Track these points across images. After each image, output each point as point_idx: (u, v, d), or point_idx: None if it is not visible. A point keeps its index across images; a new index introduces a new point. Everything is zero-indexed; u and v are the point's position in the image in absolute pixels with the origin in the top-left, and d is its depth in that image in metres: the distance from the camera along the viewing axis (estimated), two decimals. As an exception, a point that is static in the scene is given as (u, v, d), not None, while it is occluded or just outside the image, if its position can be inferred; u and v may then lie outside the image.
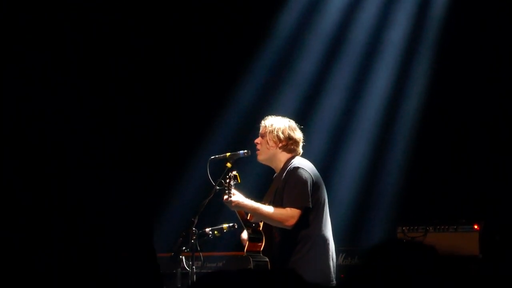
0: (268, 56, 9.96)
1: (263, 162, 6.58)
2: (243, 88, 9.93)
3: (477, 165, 9.27)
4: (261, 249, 6.29)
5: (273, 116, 6.60)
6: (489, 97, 9.25)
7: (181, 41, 9.88)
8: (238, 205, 6.28)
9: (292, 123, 6.53)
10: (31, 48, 9.10)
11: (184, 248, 6.61)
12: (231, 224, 6.64)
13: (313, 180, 6.30)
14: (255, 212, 6.29)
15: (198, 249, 6.58)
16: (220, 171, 6.48)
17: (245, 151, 6.62)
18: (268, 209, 6.24)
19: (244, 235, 6.46)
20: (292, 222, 6.17)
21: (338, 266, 6.72)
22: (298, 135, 6.50)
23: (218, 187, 6.44)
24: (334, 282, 6.26)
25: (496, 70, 9.25)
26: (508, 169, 9.07)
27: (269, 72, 9.98)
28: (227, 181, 6.32)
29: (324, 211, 6.33)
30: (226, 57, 9.80)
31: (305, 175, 6.27)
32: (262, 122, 6.58)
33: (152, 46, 9.80)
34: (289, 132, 6.46)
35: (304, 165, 6.35)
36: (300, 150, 6.50)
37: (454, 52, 9.38)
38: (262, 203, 6.35)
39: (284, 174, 6.32)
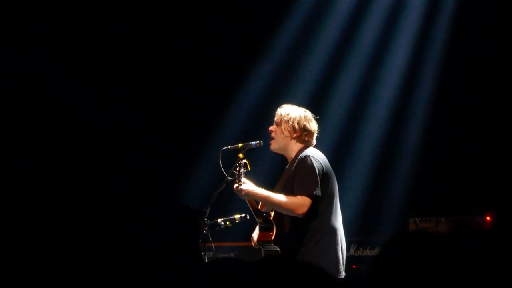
0: (280, 45, 9.94)
1: (276, 151, 6.57)
2: (255, 78, 9.92)
3: (491, 155, 9.24)
4: (272, 238, 6.29)
5: (289, 105, 6.55)
6: (504, 86, 9.22)
7: (193, 31, 9.88)
8: (249, 193, 6.27)
9: (308, 114, 6.48)
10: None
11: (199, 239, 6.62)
12: (243, 215, 6.64)
13: (323, 169, 6.28)
14: (266, 200, 6.27)
15: (210, 239, 6.59)
16: (232, 161, 6.48)
17: (257, 141, 6.60)
18: (279, 197, 6.23)
19: (255, 234, 6.46)
20: (303, 210, 6.15)
21: (350, 257, 6.73)
22: (313, 126, 6.45)
23: (230, 178, 6.44)
24: (343, 274, 6.24)
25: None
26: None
27: (281, 61, 9.97)
28: (237, 169, 6.31)
29: (335, 202, 6.31)
30: (238, 46, 9.79)
31: (315, 164, 6.25)
32: (278, 110, 6.52)
33: (164, 36, 9.81)
34: (305, 123, 6.41)
35: (315, 154, 6.33)
36: (314, 141, 6.47)
37: (470, 37, 9.34)
38: (273, 192, 6.34)
39: (296, 163, 6.31)
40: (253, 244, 6.47)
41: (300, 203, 6.17)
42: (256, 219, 6.41)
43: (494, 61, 9.27)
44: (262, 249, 6.32)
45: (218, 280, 2.58)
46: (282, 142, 6.45)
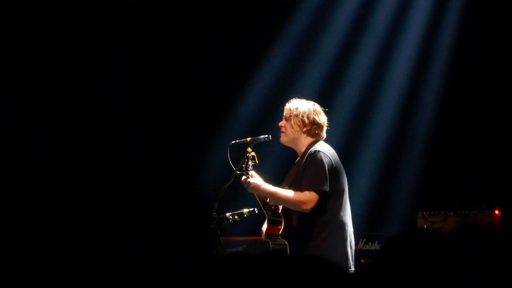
0: (288, 39, 9.93)
1: (286, 144, 6.56)
2: (264, 72, 9.91)
3: (499, 150, 9.22)
4: (280, 232, 6.29)
5: (297, 99, 6.53)
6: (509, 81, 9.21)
7: (203, 24, 9.87)
8: (256, 188, 6.28)
9: (317, 107, 6.47)
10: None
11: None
12: (251, 209, 6.64)
13: (332, 165, 6.27)
14: (273, 196, 6.28)
15: (219, 233, 6.60)
16: (240, 155, 6.48)
17: (266, 135, 6.59)
18: (285, 192, 6.23)
19: (264, 227, 6.46)
20: (310, 205, 6.15)
21: (358, 251, 6.73)
22: (323, 119, 6.44)
23: (238, 172, 6.44)
24: (352, 268, 6.24)
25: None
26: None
27: (290, 55, 9.96)
28: (245, 161, 6.31)
29: (344, 197, 6.31)
30: (247, 40, 9.78)
31: (325, 159, 6.25)
32: (287, 104, 6.51)
33: (172, 28, 9.81)
34: (314, 116, 6.40)
35: (325, 149, 6.33)
36: (324, 134, 6.45)
37: (479, 32, 9.32)
38: (281, 186, 6.35)
39: (305, 158, 6.31)
40: (262, 236, 6.47)
41: (308, 199, 6.17)
42: (265, 212, 6.41)
43: (506, 54, 9.24)
44: (270, 242, 6.33)
45: (229, 275, 2.58)
46: (292, 137, 6.44)
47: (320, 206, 6.17)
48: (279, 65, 9.95)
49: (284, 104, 6.56)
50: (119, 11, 9.57)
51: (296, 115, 6.41)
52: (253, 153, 6.35)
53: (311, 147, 6.35)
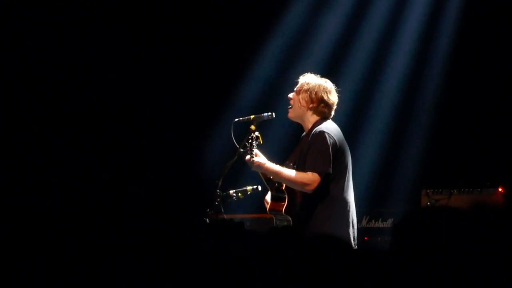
0: (292, 20, 9.91)
1: (293, 119, 6.53)
2: (268, 51, 9.90)
3: (503, 128, 9.21)
4: (284, 208, 6.31)
5: (312, 74, 6.48)
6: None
7: (203, 8, 9.85)
8: (260, 167, 6.28)
9: (329, 85, 6.40)
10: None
11: (208, 210, 6.64)
12: (254, 186, 6.65)
13: (337, 145, 6.25)
14: (276, 175, 6.28)
15: (222, 211, 6.61)
16: (244, 133, 6.48)
17: (269, 113, 6.58)
18: (289, 172, 6.23)
19: (268, 197, 6.48)
20: (312, 187, 6.16)
21: (362, 228, 6.74)
22: (332, 98, 6.38)
23: (242, 150, 6.44)
24: (355, 248, 6.24)
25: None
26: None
27: (294, 35, 9.93)
28: (250, 141, 6.31)
29: (347, 176, 6.31)
30: (250, 21, 9.76)
31: (329, 140, 6.22)
32: (301, 77, 6.47)
33: (174, 13, 9.80)
34: (322, 94, 6.34)
35: (330, 129, 6.29)
36: (332, 113, 6.41)
37: (482, 12, 9.30)
38: (286, 163, 6.35)
39: (310, 137, 6.29)
40: (266, 206, 6.48)
41: (310, 179, 6.16)
42: (268, 188, 6.42)
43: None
44: (274, 217, 6.34)
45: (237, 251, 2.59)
46: (299, 111, 6.41)
47: (323, 187, 6.17)
48: (283, 43, 9.93)
49: (288, 81, 6.54)
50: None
51: (306, 90, 6.36)
52: (257, 133, 6.34)
53: (317, 125, 6.32)
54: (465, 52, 9.40)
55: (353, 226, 6.27)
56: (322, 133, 6.25)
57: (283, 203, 6.33)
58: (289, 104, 6.47)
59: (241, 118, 6.65)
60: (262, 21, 9.76)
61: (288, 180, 6.24)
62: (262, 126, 6.56)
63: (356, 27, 9.89)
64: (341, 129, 6.44)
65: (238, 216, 8.48)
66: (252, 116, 6.57)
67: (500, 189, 8.22)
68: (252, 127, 6.44)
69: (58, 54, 9.21)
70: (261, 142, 6.34)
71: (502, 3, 9.20)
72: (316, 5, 9.88)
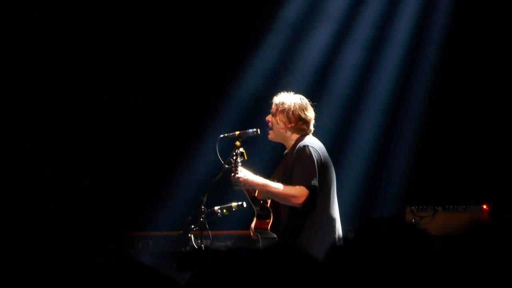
0: (277, 33, 9.91)
1: (274, 141, 6.54)
2: (253, 66, 9.90)
3: (487, 145, 9.24)
4: (269, 226, 6.29)
5: (285, 93, 6.49)
6: (499, 75, 9.22)
7: (190, 16, 9.85)
8: (246, 182, 6.26)
9: (304, 101, 6.41)
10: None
11: (193, 226, 6.63)
12: (240, 203, 6.64)
13: (321, 159, 6.27)
14: (264, 188, 6.26)
15: (207, 227, 6.59)
16: (229, 149, 6.47)
17: (255, 129, 6.58)
18: (277, 185, 6.22)
19: (253, 223, 6.45)
20: (301, 200, 6.15)
21: (346, 245, 6.68)
22: (309, 114, 6.40)
23: (227, 166, 6.43)
24: (340, 263, 6.22)
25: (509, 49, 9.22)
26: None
27: (279, 49, 9.94)
28: (234, 158, 6.29)
29: (332, 192, 6.31)
30: (236, 34, 9.76)
31: (314, 154, 6.24)
32: (274, 98, 6.48)
33: (160, 21, 9.80)
34: (299, 112, 6.36)
35: (313, 144, 6.32)
36: (311, 128, 6.43)
37: (469, 21, 9.33)
38: (270, 180, 6.33)
39: (295, 153, 6.29)
40: (251, 234, 6.46)
41: (298, 193, 6.16)
42: (253, 206, 6.40)
43: (494, 51, 9.25)
44: (259, 236, 6.32)
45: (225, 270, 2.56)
46: (278, 133, 6.42)
47: (309, 201, 6.17)
48: (269, 58, 9.93)
49: (272, 98, 6.53)
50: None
51: (282, 111, 6.38)
52: (241, 149, 6.33)
53: (300, 141, 6.34)
54: (450, 68, 9.43)
55: (339, 241, 6.24)
56: (306, 147, 6.26)
57: (268, 221, 6.31)
58: (268, 127, 6.48)
59: (226, 134, 6.65)
60: (247, 36, 9.76)
61: (275, 193, 6.22)
62: (247, 142, 6.55)
63: (342, 41, 9.90)
64: (325, 145, 6.45)
65: (223, 233, 8.47)
66: (237, 132, 6.57)
67: (484, 206, 8.24)
68: (237, 143, 6.44)
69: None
70: (246, 158, 6.33)
71: (490, 14, 9.23)
72: (303, 19, 9.89)
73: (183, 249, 6.65)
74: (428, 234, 2.49)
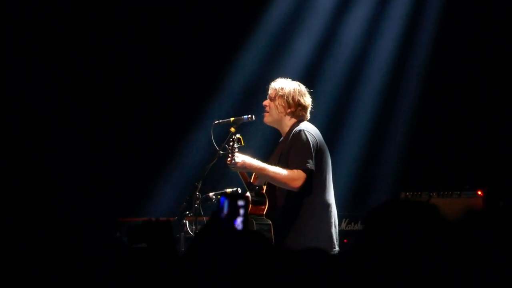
0: (271, 21, 9.90)
1: (270, 124, 6.55)
2: (247, 53, 9.89)
3: (482, 131, 9.25)
4: (264, 212, 6.29)
5: (283, 79, 6.53)
6: (494, 64, 9.23)
7: (184, 7, 9.83)
8: (244, 165, 6.25)
9: (302, 88, 6.46)
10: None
11: (187, 212, 6.62)
12: (234, 189, 6.63)
13: (317, 144, 6.28)
14: (261, 172, 6.26)
15: (202, 213, 6.59)
16: (224, 136, 6.47)
17: (249, 116, 6.58)
18: (274, 169, 6.22)
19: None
20: (298, 183, 6.15)
21: (341, 231, 6.72)
22: (307, 100, 6.44)
23: (221, 152, 6.43)
24: (337, 248, 6.25)
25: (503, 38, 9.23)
26: (512, 135, 9.07)
27: (275, 35, 9.93)
28: (231, 144, 6.30)
29: (328, 177, 6.32)
30: (230, 22, 9.75)
31: (310, 138, 6.25)
32: (272, 84, 6.50)
33: (154, 13, 9.78)
34: (299, 97, 6.40)
35: (309, 128, 6.33)
36: (308, 115, 6.46)
37: (460, 23, 9.34)
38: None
39: (290, 137, 6.30)
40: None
41: (295, 176, 6.17)
42: (249, 192, 6.40)
43: (485, 42, 9.27)
44: (254, 222, 6.32)
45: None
46: (276, 117, 6.44)
47: (305, 186, 6.17)
48: (264, 44, 9.92)
49: (268, 84, 6.54)
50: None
51: (281, 96, 6.40)
52: (238, 135, 6.33)
53: (295, 126, 6.36)
54: (443, 57, 9.43)
55: (335, 226, 6.28)
56: (302, 131, 6.27)
57: (263, 207, 6.31)
58: (265, 111, 6.48)
59: (220, 120, 6.65)
60: (241, 24, 9.75)
61: (273, 177, 6.22)
62: (242, 128, 6.55)
63: (335, 31, 9.90)
64: (321, 132, 6.46)
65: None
66: (232, 118, 6.58)
67: (479, 192, 8.25)
68: (232, 129, 6.44)
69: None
70: (243, 144, 6.33)
71: (480, 16, 9.25)
72: (295, 11, 9.88)
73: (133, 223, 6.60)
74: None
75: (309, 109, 6.46)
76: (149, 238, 3.34)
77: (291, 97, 6.39)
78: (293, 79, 6.63)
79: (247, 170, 6.34)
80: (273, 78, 6.61)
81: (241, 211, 3.07)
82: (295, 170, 6.18)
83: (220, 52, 9.73)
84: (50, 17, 9.38)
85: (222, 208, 3.08)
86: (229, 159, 6.27)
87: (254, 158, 6.33)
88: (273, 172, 6.21)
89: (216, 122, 6.65)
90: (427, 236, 2.42)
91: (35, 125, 9.34)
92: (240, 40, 9.84)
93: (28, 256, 2.96)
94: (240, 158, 6.25)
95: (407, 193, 8.55)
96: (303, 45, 9.88)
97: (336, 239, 6.26)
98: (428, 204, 2.53)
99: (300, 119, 6.42)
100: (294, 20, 9.90)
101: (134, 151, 9.75)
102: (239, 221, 3.07)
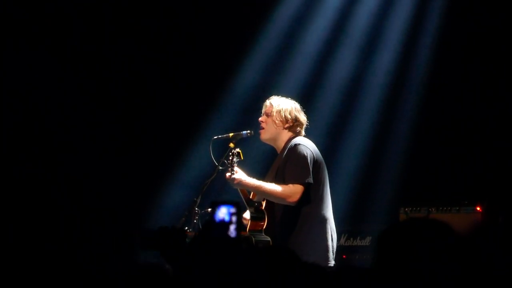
0: (270, 38, 9.91)
1: (266, 141, 6.58)
2: (246, 69, 9.90)
3: (481, 146, 9.25)
4: (263, 228, 6.30)
5: (278, 96, 6.60)
6: (492, 76, 9.24)
7: (185, 18, 9.85)
8: (241, 183, 6.30)
9: (298, 105, 6.58)
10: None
11: (186, 228, 6.62)
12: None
13: (314, 157, 6.32)
14: (258, 189, 6.30)
15: (201, 228, 6.58)
16: (223, 151, 6.49)
17: (248, 131, 6.63)
18: (270, 186, 6.25)
19: (246, 215, 6.46)
20: (295, 198, 6.19)
21: (340, 247, 6.74)
22: (303, 117, 6.55)
23: (220, 167, 6.45)
24: (332, 262, 6.27)
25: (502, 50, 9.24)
26: (511, 151, 9.06)
27: (272, 53, 9.94)
28: (230, 158, 6.33)
29: (325, 191, 6.35)
30: (230, 37, 9.76)
31: (306, 152, 6.30)
32: (267, 101, 6.58)
33: (154, 23, 9.79)
34: (296, 113, 6.50)
35: (305, 142, 6.38)
36: (303, 132, 6.52)
37: (462, 28, 9.35)
38: (264, 181, 6.36)
39: (286, 152, 6.33)
40: (245, 223, 6.46)
41: (292, 191, 6.20)
42: (248, 208, 6.41)
43: (489, 51, 9.27)
44: (253, 238, 6.32)
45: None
46: (273, 132, 6.47)
47: (302, 200, 6.20)
48: (262, 62, 9.93)
49: (263, 102, 6.60)
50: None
51: (279, 111, 6.47)
52: (238, 150, 6.38)
53: (291, 141, 6.39)
54: (443, 70, 9.44)
55: (332, 240, 6.30)
56: (298, 145, 6.33)
57: (262, 223, 6.33)
58: (261, 127, 6.53)
59: (220, 136, 6.68)
60: (241, 38, 9.77)
61: (270, 193, 6.25)
62: (240, 144, 6.57)
63: (335, 40, 9.90)
64: (319, 147, 6.49)
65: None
66: (231, 134, 6.61)
67: (478, 208, 8.25)
68: (231, 144, 6.48)
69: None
70: (242, 158, 6.36)
71: (481, 18, 9.26)
72: (295, 19, 9.90)
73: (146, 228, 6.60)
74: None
75: (304, 126, 6.52)
76: (162, 245, 3.36)
77: (288, 112, 6.47)
78: (290, 95, 6.73)
79: (244, 187, 6.37)
80: (270, 95, 6.66)
81: (234, 218, 3.07)
82: (291, 185, 6.22)
83: (218, 67, 9.74)
84: (56, 20, 9.39)
85: (214, 216, 3.09)
86: (228, 174, 6.30)
87: (251, 175, 6.35)
88: (269, 189, 6.25)
89: (215, 137, 6.69)
90: (446, 254, 2.42)
91: (40, 130, 9.33)
92: (239, 56, 9.85)
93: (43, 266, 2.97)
94: (238, 175, 6.28)
95: (406, 208, 8.54)
96: (300, 62, 9.89)
97: (333, 252, 6.29)
98: (441, 221, 2.54)
99: (296, 135, 6.47)
100: (291, 37, 9.91)
101: (133, 166, 9.74)
102: (232, 228, 3.07)
